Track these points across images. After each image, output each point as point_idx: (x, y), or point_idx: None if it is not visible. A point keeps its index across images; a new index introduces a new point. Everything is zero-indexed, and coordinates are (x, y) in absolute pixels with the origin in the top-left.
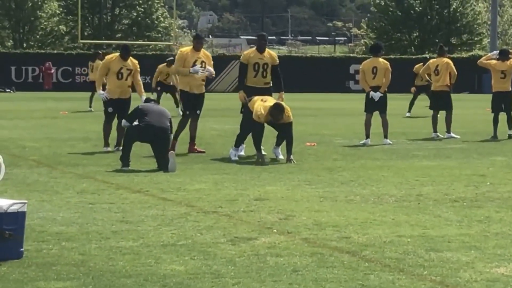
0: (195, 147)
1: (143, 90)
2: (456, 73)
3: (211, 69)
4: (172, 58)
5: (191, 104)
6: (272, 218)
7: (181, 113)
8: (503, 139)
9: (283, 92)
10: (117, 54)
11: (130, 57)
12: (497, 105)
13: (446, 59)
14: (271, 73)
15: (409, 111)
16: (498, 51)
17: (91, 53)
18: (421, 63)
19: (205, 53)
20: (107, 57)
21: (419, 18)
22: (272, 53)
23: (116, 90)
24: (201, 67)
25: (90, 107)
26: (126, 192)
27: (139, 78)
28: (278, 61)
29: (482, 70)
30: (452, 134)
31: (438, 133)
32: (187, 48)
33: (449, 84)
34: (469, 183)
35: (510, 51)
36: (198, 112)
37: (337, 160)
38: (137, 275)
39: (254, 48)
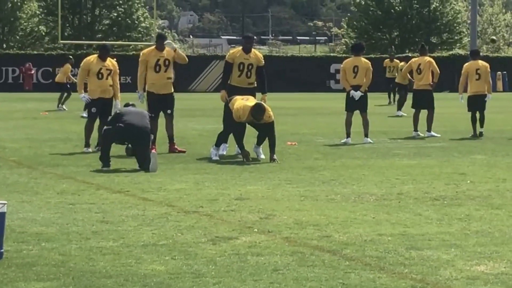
0: (175, 147)
1: (119, 95)
2: (439, 71)
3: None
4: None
5: (158, 105)
6: (252, 217)
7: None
8: (483, 137)
9: (266, 95)
10: (95, 55)
11: (109, 58)
12: (473, 106)
13: (428, 58)
14: (256, 73)
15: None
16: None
17: (71, 54)
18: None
19: (168, 51)
20: (86, 59)
21: (399, 17)
22: (258, 54)
23: (97, 89)
24: (165, 65)
25: (58, 107)
26: (107, 192)
27: (118, 80)
28: (263, 62)
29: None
30: (433, 133)
31: (418, 132)
32: (148, 49)
33: (431, 83)
34: (450, 182)
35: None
36: (169, 112)
37: (318, 159)
38: (117, 275)
39: (240, 48)
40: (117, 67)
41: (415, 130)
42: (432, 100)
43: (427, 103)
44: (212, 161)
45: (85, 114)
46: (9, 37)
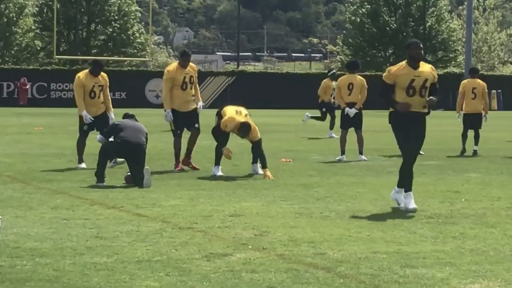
0: (190, 161)
1: (111, 107)
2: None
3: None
4: None
5: (184, 122)
6: (247, 234)
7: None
8: (478, 155)
9: (267, 169)
10: (86, 71)
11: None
12: (468, 124)
13: None
14: (254, 148)
15: None
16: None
17: (66, 69)
18: None
19: (192, 67)
20: (78, 76)
21: (394, 35)
22: (254, 133)
23: (91, 109)
24: (191, 82)
25: (330, 134)
26: (101, 207)
27: (108, 93)
28: (259, 135)
29: (457, 87)
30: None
31: None
32: (173, 66)
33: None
34: (444, 200)
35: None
36: (196, 125)
37: (312, 176)
38: None
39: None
40: (107, 80)
41: None
42: None
43: None
44: (207, 177)
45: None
46: (4, 52)
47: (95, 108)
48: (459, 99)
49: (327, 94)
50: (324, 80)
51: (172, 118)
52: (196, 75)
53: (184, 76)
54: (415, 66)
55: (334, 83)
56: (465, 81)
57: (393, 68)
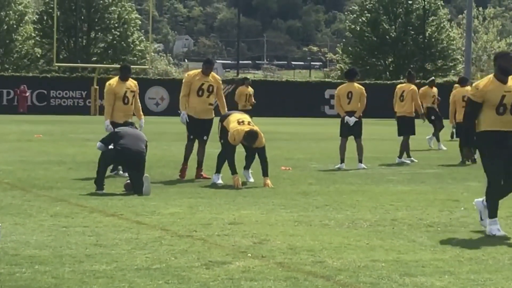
0: (202, 173)
1: (142, 114)
2: (419, 103)
3: None
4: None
5: (197, 129)
6: (246, 242)
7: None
8: (477, 164)
9: (267, 178)
10: (116, 78)
11: (130, 79)
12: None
13: (413, 86)
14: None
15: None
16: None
17: (66, 77)
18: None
19: (214, 77)
20: (111, 82)
21: (394, 43)
22: (260, 141)
23: (121, 115)
24: (209, 91)
25: (439, 146)
26: (100, 215)
27: (138, 99)
28: (263, 142)
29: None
30: (403, 160)
31: (412, 158)
32: (194, 72)
33: (415, 110)
34: (443, 208)
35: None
36: (205, 138)
37: (312, 184)
38: None
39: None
40: (137, 87)
41: (408, 156)
42: (412, 127)
43: (408, 129)
44: (206, 185)
45: None
46: (4, 59)
47: (126, 114)
48: (451, 109)
49: (427, 101)
50: (423, 88)
51: (188, 120)
52: (220, 87)
53: (202, 83)
54: (505, 81)
55: (435, 89)
56: (454, 91)
57: (480, 84)
